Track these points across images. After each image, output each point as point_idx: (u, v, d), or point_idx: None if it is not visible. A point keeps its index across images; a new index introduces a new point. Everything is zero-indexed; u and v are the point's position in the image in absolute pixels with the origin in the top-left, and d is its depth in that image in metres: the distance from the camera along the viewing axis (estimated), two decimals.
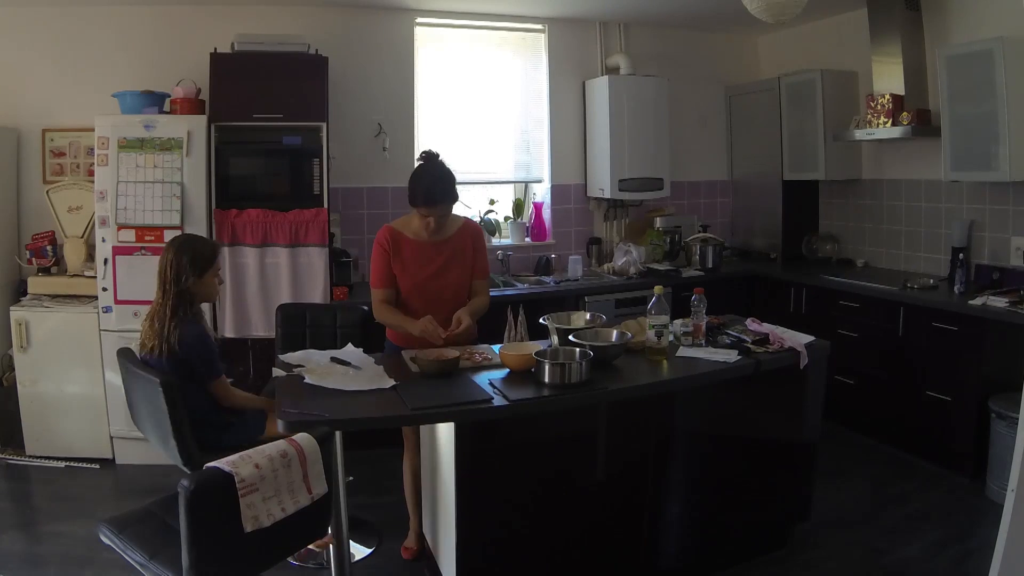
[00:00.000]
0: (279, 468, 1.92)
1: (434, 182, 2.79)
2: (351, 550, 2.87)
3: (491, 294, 4.55)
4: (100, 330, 3.90)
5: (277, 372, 2.65)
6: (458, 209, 2.95)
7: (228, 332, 3.93)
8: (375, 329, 3.14)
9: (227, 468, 1.83)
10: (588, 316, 3.08)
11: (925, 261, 4.50)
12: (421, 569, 2.97)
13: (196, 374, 2.63)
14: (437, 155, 2.89)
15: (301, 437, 2.01)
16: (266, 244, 3.96)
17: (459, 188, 2.91)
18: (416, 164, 2.91)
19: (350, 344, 2.93)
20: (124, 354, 2.68)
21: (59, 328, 3.92)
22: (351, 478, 2.91)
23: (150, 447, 2.78)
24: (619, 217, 5.34)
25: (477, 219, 4.93)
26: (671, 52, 5.38)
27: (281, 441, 1.99)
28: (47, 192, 4.18)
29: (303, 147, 4.01)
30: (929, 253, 4.47)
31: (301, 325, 3.41)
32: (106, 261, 3.85)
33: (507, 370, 2.62)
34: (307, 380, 2.48)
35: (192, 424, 2.58)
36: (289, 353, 2.85)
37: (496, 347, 2.86)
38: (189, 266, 2.64)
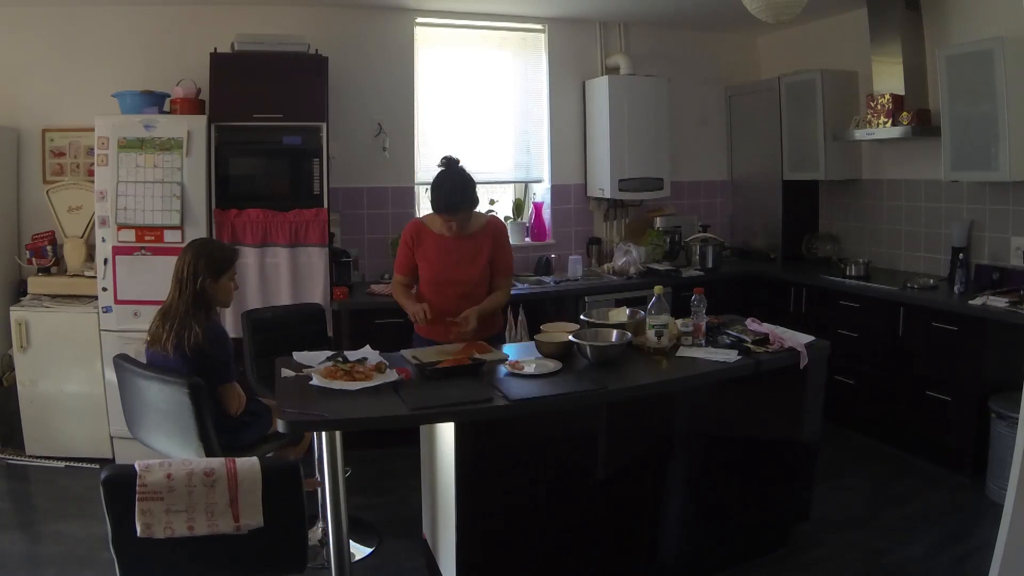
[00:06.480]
0: (198, 485, 1.82)
1: (454, 190, 2.95)
2: (351, 550, 2.87)
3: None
4: (100, 330, 3.90)
5: (286, 372, 2.65)
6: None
7: (228, 332, 3.92)
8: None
9: (139, 469, 1.79)
10: (628, 312, 3.05)
11: (925, 261, 4.50)
12: (421, 569, 2.97)
13: (209, 375, 2.57)
14: (457, 161, 3.01)
15: (244, 462, 1.89)
16: (266, 244, 3.96)
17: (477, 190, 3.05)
18: (437, 169, 3.01)
19: (368, 346, 2.92)
20: (124, 359, 2.64)
21: (59, 328, 3.92)
22: (348, 470, 2.90)
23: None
24: (619, 217, 5.34)
25: None
26: (671, 52, 5.37)
27: (217, 459, 1.90)
28: (47, 192, 4.18)
29: (303, 147, 4.01)
30: (929, 253, 4.47)
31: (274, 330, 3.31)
32: (106, 261, 3.85)
33: (508, 369, 2.62)
34: (313, 382, 2.48)
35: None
36: (305, 352, 2.84)
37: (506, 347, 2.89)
38: (206, 268, 2.66)
